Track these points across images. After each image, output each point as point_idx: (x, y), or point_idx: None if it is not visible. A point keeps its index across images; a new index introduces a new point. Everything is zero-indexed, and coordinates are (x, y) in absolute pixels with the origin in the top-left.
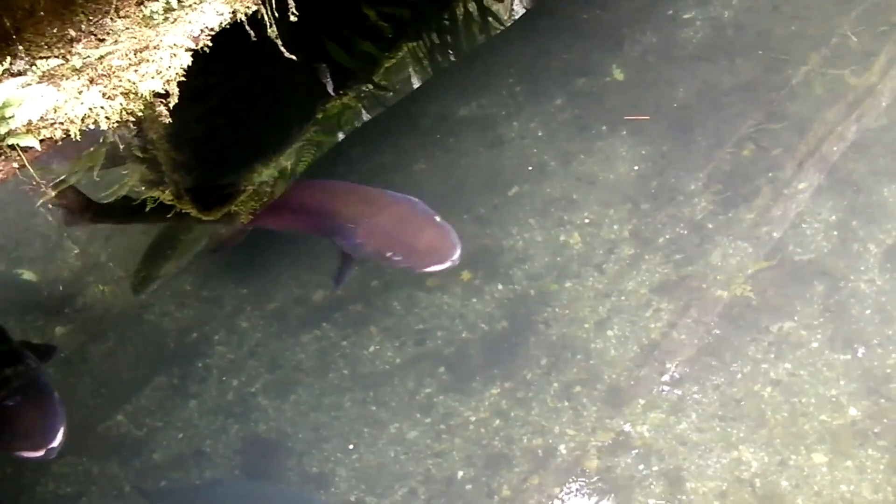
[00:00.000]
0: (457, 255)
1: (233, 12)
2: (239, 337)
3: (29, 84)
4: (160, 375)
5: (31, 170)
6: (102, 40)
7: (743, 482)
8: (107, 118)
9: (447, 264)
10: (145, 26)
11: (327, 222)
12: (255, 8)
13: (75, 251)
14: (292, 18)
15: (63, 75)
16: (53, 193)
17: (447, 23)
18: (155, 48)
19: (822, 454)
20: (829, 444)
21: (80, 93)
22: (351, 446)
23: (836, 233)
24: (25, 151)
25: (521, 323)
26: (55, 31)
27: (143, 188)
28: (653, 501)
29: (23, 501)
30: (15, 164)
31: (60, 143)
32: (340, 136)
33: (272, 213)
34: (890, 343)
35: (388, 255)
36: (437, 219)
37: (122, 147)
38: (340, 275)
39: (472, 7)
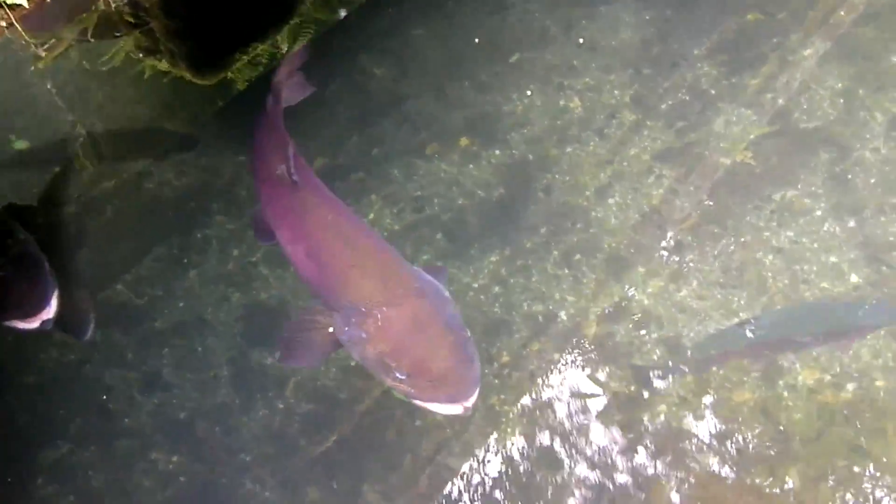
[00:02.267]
0: (474, 398)
1: None
2: (238, 206)
3: None
4: (159, 246)
5: (20, 27)
6: None
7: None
8: None
9: (458, 409)
10: None
11: (326, 284)
12: None
13: (69, 118)
14: None
15: None
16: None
17: None
18: None
19: None
20: None
21: None
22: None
23: (841, 100)
24: (13, 9)
25: (521, 190)
26: None
27: (140, 55)
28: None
29: (27, 370)
30: (3, 23)
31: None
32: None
33: (276, 211)
34: (893, 211)
35: (390, 367)
36: (467, 334)
37: (114, 12)
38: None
39: None
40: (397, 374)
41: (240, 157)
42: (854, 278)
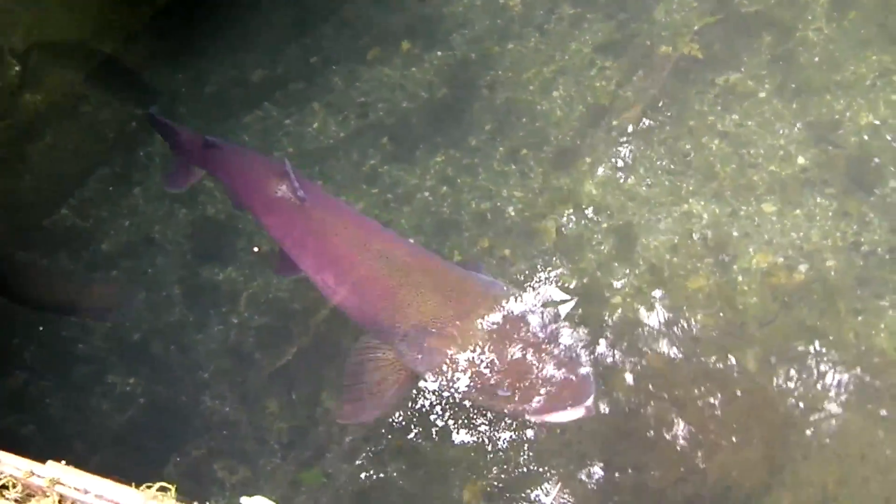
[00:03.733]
0: (594, 395)
1: None
2: (179, 123)
3: None
4: (102, 167)
5: None
6: None
7: (694, 234)
8: None
9: (580, 412)
10: None
11: (375, 311)
12: None
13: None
14: None
15: None
16: None
17: None
18: None
19: (772, 204)
20: (778, 193)
21: None
22: None
23: None
24: None
25: (464, 89)
26: None
27: None
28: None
29: None
30: None
31: None
32: None
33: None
34: (838, 89)
35: (490, 386)
36: (555, 325)
37: None
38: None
39: None
40: (500, 392)
41: (177, 75)
42: (801, 160)
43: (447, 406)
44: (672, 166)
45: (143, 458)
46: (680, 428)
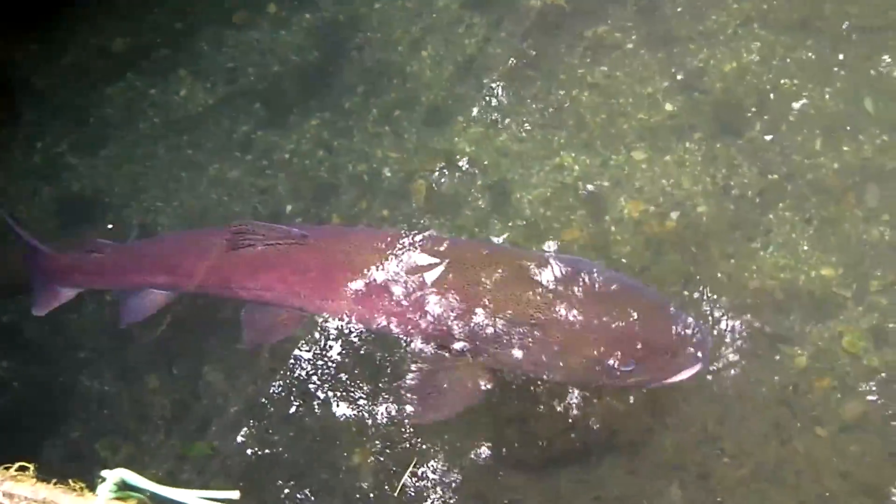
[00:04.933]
0: (708, 346)
1: None
2: (37, 97)
3: None
4: None
5: None
6: None
7: (567, 186)
8: None
9: (698, 367)
10: None
11: (453, 324)
12: None
13: None
14: None
15: None
16: None
17: None
18: None
19: (642, 152)
20: (647, 141)
21: None
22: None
23: None
24: None
25: (334, 51)
26: None
27: None
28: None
29: None
30: None
31: None
32: None
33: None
34: (702, 38)
35: (609, 365)
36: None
37: None
38: None
39: None
40: (622, 369)
41: (31, 46)
42: (669, 107)
43: (328, 376)
44: (543, 120)
45: (22, 442)
46: None
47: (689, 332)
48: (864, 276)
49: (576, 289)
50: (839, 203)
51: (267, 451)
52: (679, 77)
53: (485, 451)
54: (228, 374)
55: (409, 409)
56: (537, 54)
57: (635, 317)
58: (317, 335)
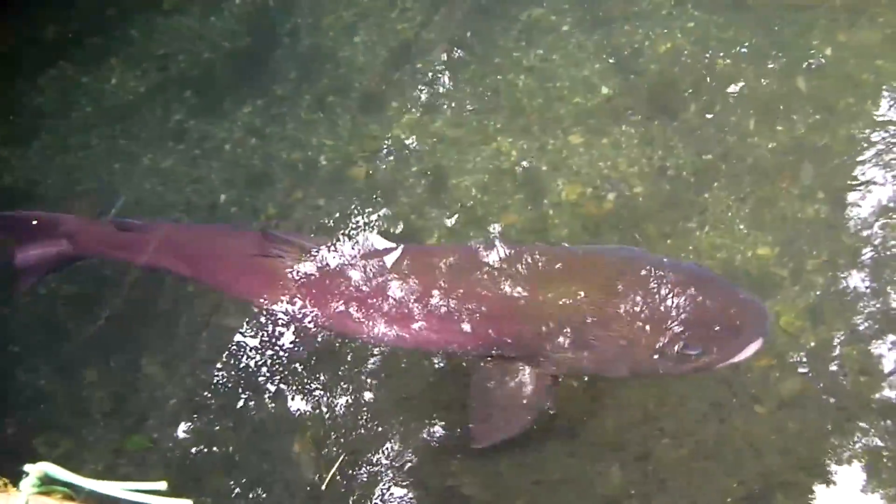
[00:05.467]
0: (768, 320)
1: None
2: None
3: None
4: None
5: None
6: None
7: (504, 171)
8: None
9: (759, 343)
10: None
11: (499, 334)
12: None
13: None
14: None
15: None
16: None
17: None
18: None
19: (579, 135)
20: (584, 124)
21: None
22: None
23: None
24: None
25: (266, 37)
26: None
27: None
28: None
29: None
30: None
31: None
32: None
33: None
34: (636, 19)
35: (674, 352)
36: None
37: None
38: None
39: None
40: (689, 353)
41: None
42: (605, 90)
43: (272, 365)
44: (479, 105)
45: None
46: None
47: (747, 306)
48: (801, 255)
49: (627, 279)
50: (774, 182)
51: (206, 442)
52: (614, 59)
53: (424, 436)
54: (166, 364)
55: (475, 431)
56: (472, 38)
57: (692, 299)
58: (251, 317)
